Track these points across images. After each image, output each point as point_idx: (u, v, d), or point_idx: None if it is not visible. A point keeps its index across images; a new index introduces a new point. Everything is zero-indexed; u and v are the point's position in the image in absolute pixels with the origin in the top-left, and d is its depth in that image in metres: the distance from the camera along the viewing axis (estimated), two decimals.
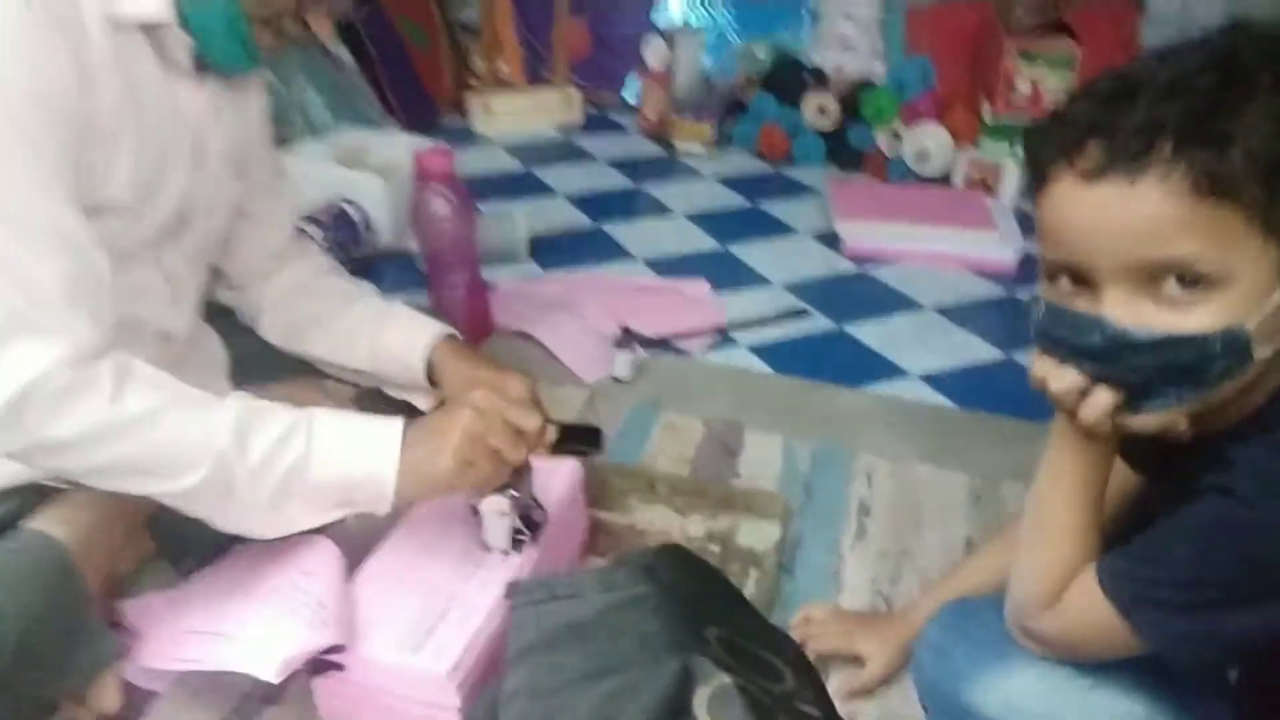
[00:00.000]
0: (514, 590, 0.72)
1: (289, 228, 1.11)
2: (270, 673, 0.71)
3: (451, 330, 1.06)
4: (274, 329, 1.10)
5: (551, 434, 0.85)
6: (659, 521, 1.10)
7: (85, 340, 0.70)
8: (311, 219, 1.55)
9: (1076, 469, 0.71)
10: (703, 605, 0.70)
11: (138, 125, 0.78)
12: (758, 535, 1.09)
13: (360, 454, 0.78)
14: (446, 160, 1.36)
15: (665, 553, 0.76)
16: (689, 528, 1.09)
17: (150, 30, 0.78)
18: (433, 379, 1.03)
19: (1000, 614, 0.76)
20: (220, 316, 1.13)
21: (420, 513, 0.95)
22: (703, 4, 2.52)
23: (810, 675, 0.73)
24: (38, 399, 0.68)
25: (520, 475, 0.85)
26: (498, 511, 0.85)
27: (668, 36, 2.32)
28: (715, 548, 1.07)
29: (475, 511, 0.87)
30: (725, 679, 0.61)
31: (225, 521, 0.78)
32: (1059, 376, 0.66)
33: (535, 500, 0.88)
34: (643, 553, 0.76)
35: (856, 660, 0.94)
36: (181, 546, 1.01)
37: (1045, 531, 0.72)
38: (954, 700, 0.76)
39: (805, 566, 1.07)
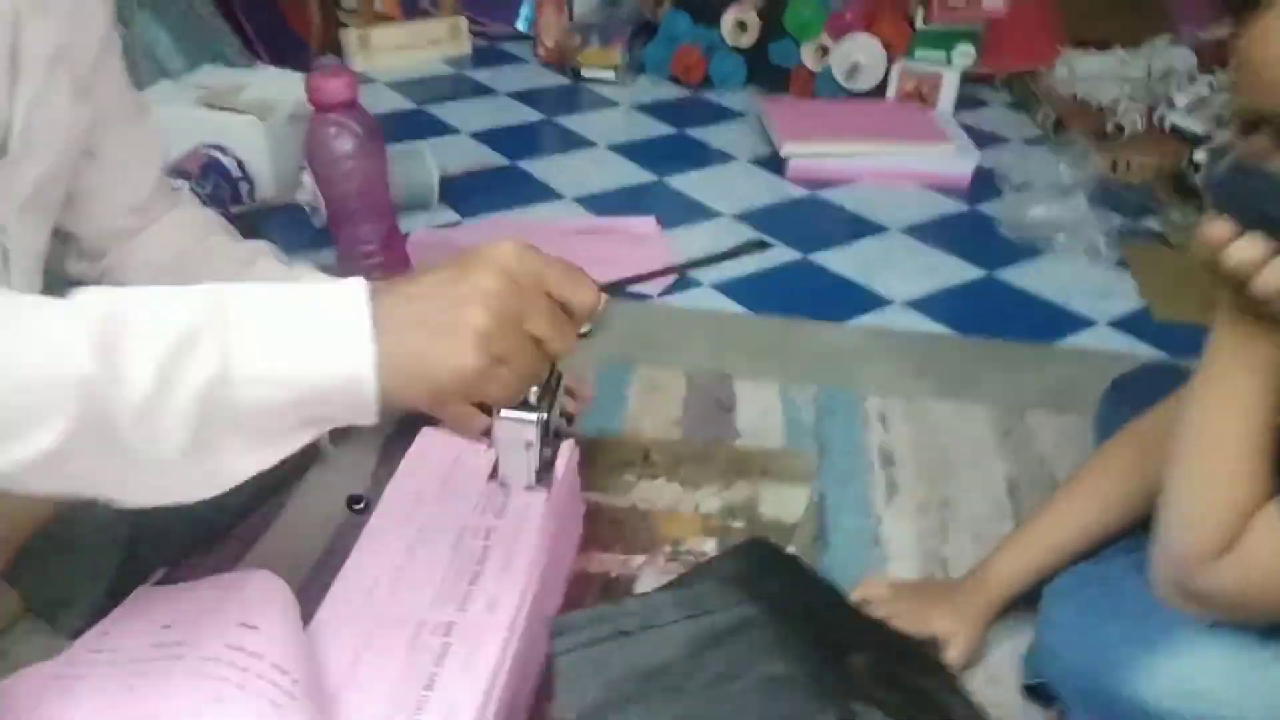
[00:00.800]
0: (560, 629, 0.53)
1: (155, 174, 0.86)
2: None
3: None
4: None
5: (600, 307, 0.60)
6: (665, 498, 0.92)
7: None
8: (175, 172, 1.28)
9: (1250, 379, 0.56)
10: (824, 622, 0.52)
11: None
12: (784, 503, 0.92)
13: (311, 351, 0.47)
14: (347, 84, 1.12)
15: (751, 551, 0.58)
16: (702, 503, 0.92)
17: None
18: None
19: (1140, 577, 0.62)
20: None
21: (389, 495, 0.74)
22: None
23: (957, 688, 0.56)
24: None
25: (551, 377, 0.64)
26: (523, 442, 0.63)
27: None
28: (738, 523, 0.89)
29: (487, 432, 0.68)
30: None
31: (129, 488, 0.49)
32: (1242, 246, 0.51)
33: (562, 412, 0.70)
34: (722, 556, 0.58)
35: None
36: (57, 596, 0.77)
37: (1213, 462, 0.58)
38: (1104, 690, 0.61)
39: (839, 533, 0.91)
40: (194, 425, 0.45)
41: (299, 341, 0.47)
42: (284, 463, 0.57)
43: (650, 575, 0.83)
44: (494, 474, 0.71)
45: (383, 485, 0.92)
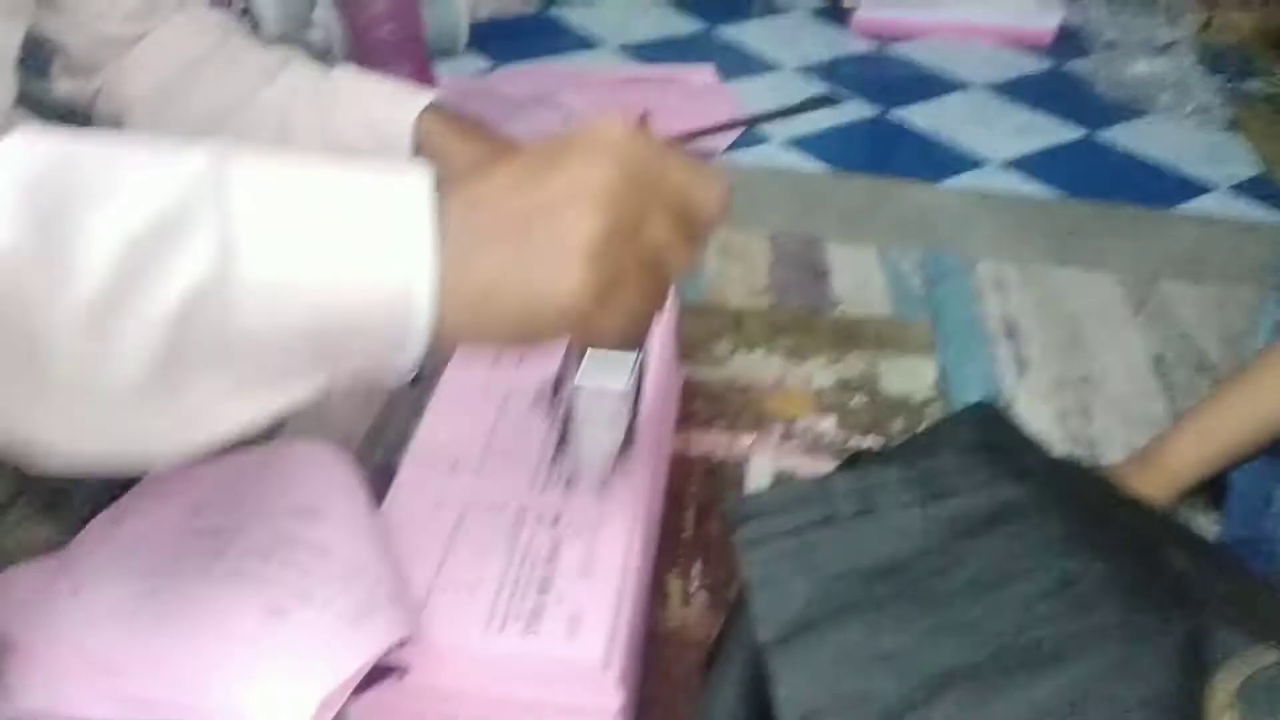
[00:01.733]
0: (741, 515, 0.39)
1: None
2: None
3: (435, 92, 0.68)
4: (154, 130, 0.70)
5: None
6: (768, 372, 0.79)
7: None
8: None
9: None
10: (1100, 509, 0.39)
11: None
12: (909, 376, 0.79)
13: (345, 254, 0.32)
14: None
15: (982, 417, 0.44)
16: (814, 376, 0.78)
17: None
18: None
19: None
20: (68, 124, 0.71)
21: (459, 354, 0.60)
22: None
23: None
24: None
25: None
26: (618, 392, 0.45)
27: None
28: (858, 399, 0.76)
29: (552, 392, 0.52)
30: (1270, 654, 0.32)
31: (51, 430, 0.32)
32: None
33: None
34: (945, 422, 0.45)
35: None
36: (55, 480, 0.63)
37: None
38: None
39: None
40: (164, 347, 0.30)
41: (328, 240, 0.32)
42: None
43: (763, 458, 0.70)
44: (561, 441, 0.54)
45: (432, 353, 0.79)
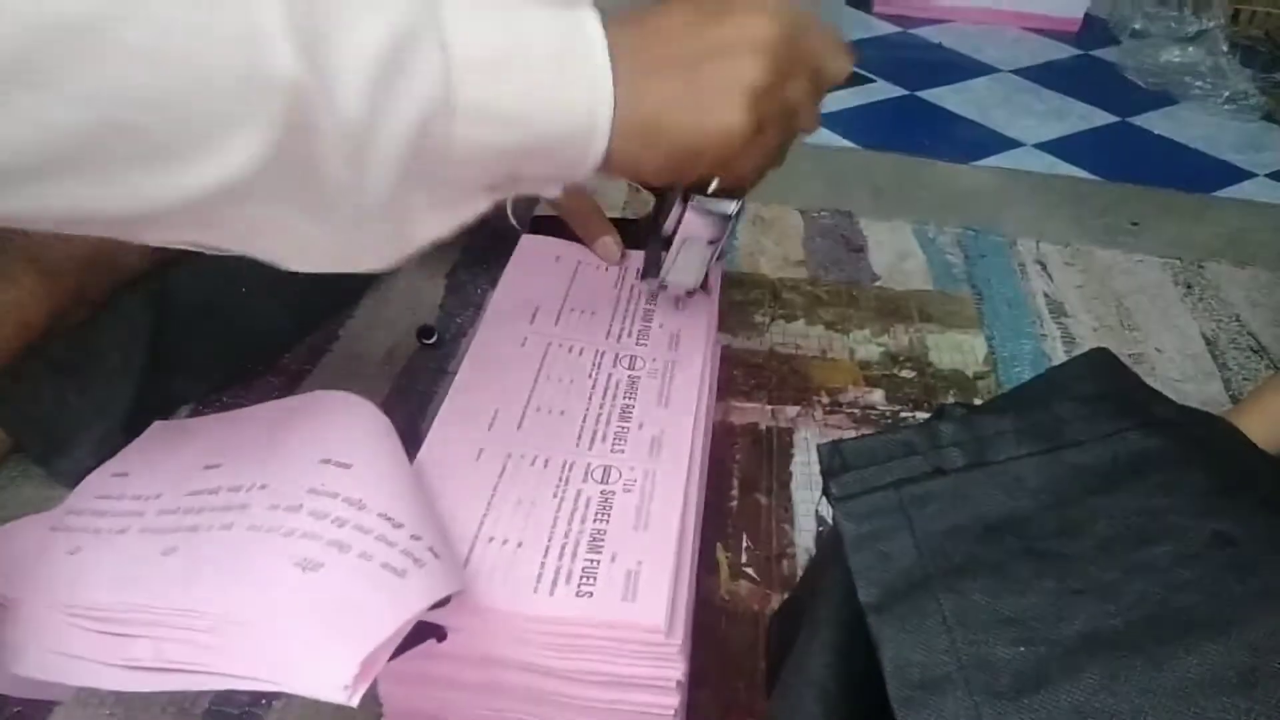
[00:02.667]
0: (837, 464, 0.35)
1: None
2: (339, 689, 0.32)
3: None
4: None
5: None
6: (810, 343, 0.74)
7: None
8: None
9: None
10: (1242, 461, 0.35)
11: None
12: (959, 351, 0.75)
13: (546, 85, 0.35)
14: None
15: (1100, 365, 0.40)
16: (857, 349, 0.74)
17: None
18: None
19: None
20: None
21: (496, 305, 0.57)
22: None
23: None
24: None
25: None
26: (707, 237, 0.49)
27: None
28: (906, 373, 0.72)
29: (655, 234, 0.53)
30: None
31: (303, 245, 0.34)
32: None
33: None
34: (1061, 369, 0.41)
35: None
36: (53, 432, 0.59)
37: None
38: None
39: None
40: (405, 164, 0.33)
41: (526, 68, 0.35)
42: (337, 281, 0.46)
43: (810, 429, 0.66)
44: (648, 270, 0.56)
45: (454, 317, 0.75)
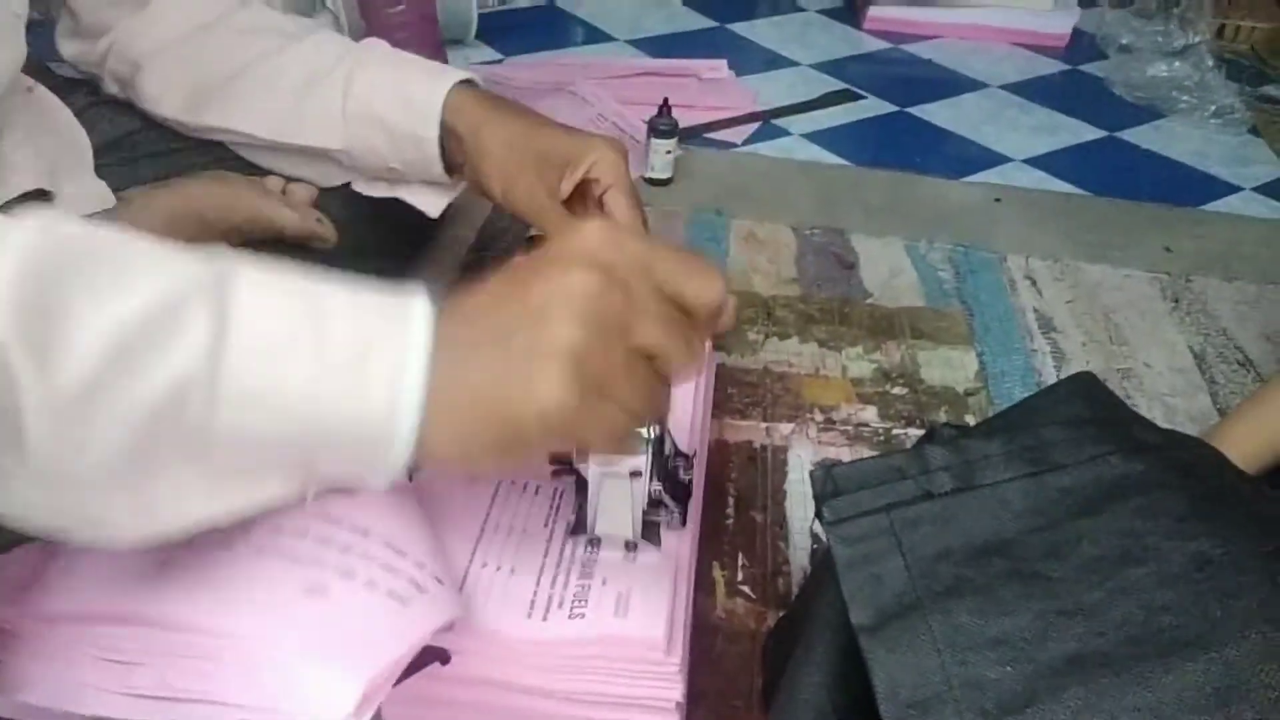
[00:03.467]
0: (828, 489, 0.36)
1: None
2: (345, 717, 0.33)
3: (467, 72, 0.64)
4: (165, 93, 0.66)
5: (730, 310, 0.38)
6: (804, 360, 0.75)
7: None
8: None
9: None
10: (1221, 483, 0.36)
11: None
12: (950, 367, 0.76)
13: (331, 369, 0.32)
14: None
15: (1083, 389, 0.41)
16: (850, 366, 0.75)
17: None
18: (449, 159, 0.62)
19: None
20: (73, 92, 0.68)
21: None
22: None
23: None
24: None
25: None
26: (628, 470, 0.42)
27: None
28: (898, 390, 0.73)
29: (567, 472, 0.46)
30: None
31: (14, 505, 0.32)
32: None
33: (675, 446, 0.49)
34: (1044, 394, 0.42)
35: None
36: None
37: None
38: None
39: (1010, 404, 0.75)
40: (140, 437, 0.30)
41: (318, 353, 0.31)
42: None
43: (804, 446, 0.67)
44: (577, 527, 0.46)
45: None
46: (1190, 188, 1.12)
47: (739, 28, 1.45)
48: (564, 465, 0.47)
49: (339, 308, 0.32)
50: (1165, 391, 0.79)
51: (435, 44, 1.01)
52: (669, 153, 0.99)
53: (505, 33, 1.33)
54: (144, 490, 0.32)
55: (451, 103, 0.61)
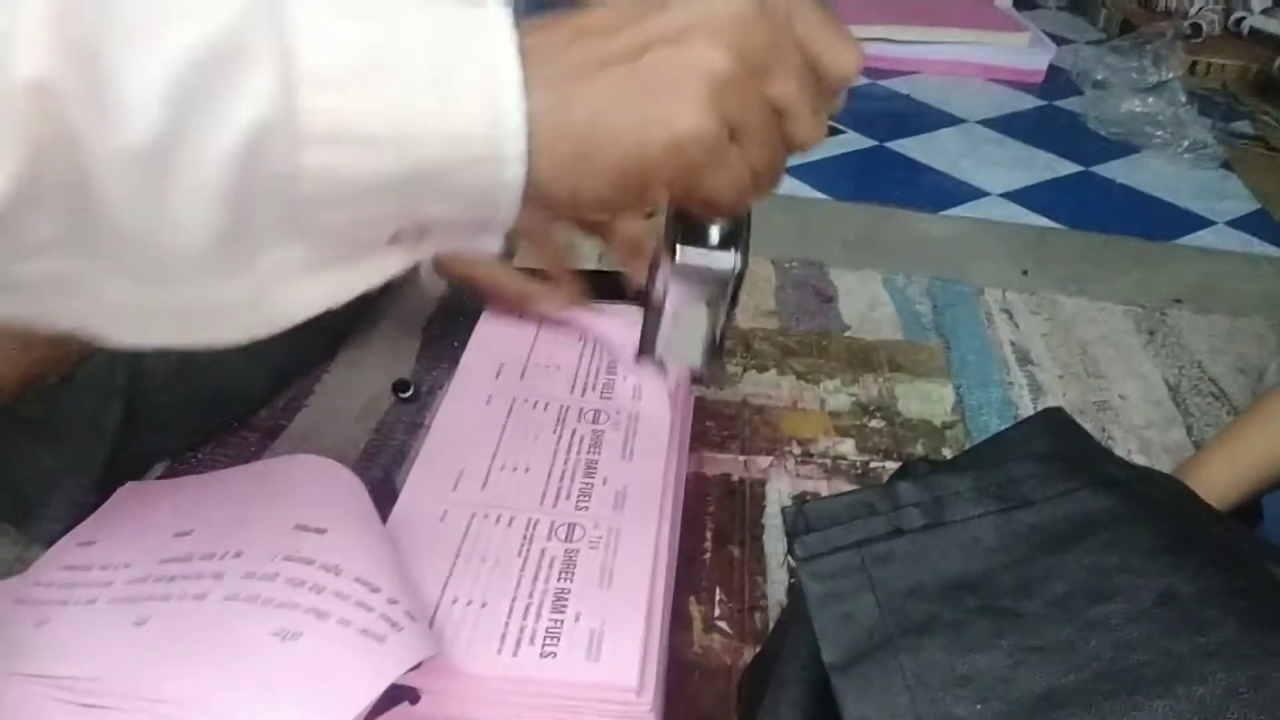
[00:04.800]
0: (800, 525, 0.36)
1: None
2: None
3: None
4: None
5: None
6: (781, 393, 0.75)
7: None
8: None
9: None
10: (1191, 520, 0.36)
11: None
12: (927, 400, 0.76)
13: (422, 83, 0.27)
14: None
15: (1053, 424, 0.42)
16: (828, 399, 0.75)
17: None
18: None
19: None
20: None
21: (466, 366, 0.57)
22: None
23: None
24: None
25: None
26: (705, 297, 0.39)
27: None
28: (876, 423, 0.73)
29: (640, 294, 0.44)
30: None
31: (116, 307, 0.29)
32: None
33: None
34: (1016, 429, 0.42)
35: None
36: (25, 491, 0.58)
37: None
38: None
39: (986, 436, 0.75)
40: (227, 200, 0.26)
41: (402, 68, 0.27)
42: (312, 336, 0.38)
43: (782, 480, 0.67)
44: (645, 346, 0.43)
45: (430, 371, 0.75)
46: (1164, 222, 1.14)
47: None
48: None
49: (413, 25, 0.28)
50: (1141, 424, 0.79)
51: None
52: None
53: None
54: (247, 274, 0.29)
55: None
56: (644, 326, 0.43)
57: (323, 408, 0.70)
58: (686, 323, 0.41)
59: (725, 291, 0.39)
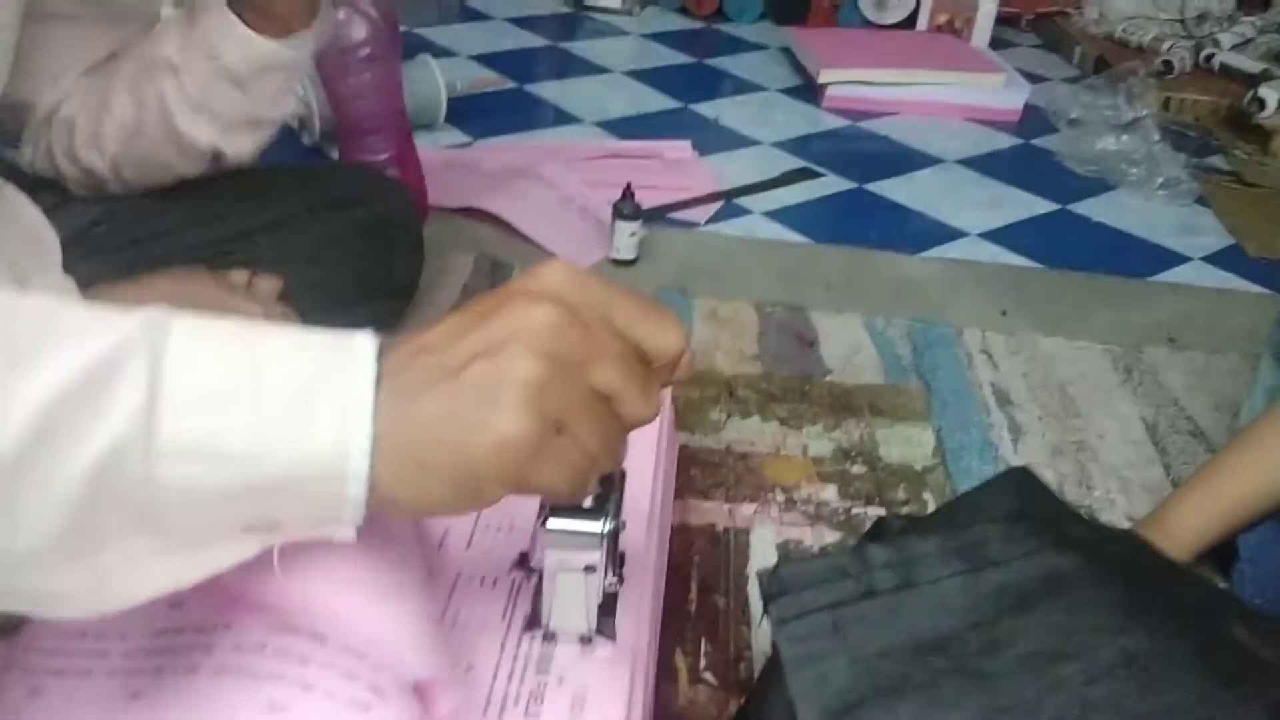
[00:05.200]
0: (775, 589, 0.37)
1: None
2: None
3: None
4: (95, 136, 0.68)
5: (686, 361, 0.37)
6: (764, 439, 0.77)
7: None
8: None
9: None
10: (1153, 579, 0.37)
11: None
12: (908, 444, 0.77)
13: (277, 415, 0.31)
14: None
15: (1019, 484, 0.43)
16: (810, 444, 0.76)
17: None
18: None
19: None
20: (41, 191, 0.70)
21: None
22: None
23: None
24: None
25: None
26: (582, 565, 0.41)
27: None
28: (858, 469, 0.74)
29: (523, 568, 0.47)
30: None
31: None
32: None
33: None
34: (981, 489, 0.43)
35: None
36: None
37: None
38: None
39: (966, 479, 0.77)
40: (79, 506, 0.29)
41: (258, 397, 0.31)
42: None
43: (766, 528, 0.68)
44: (532, 622, 0.46)
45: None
46: (1141, 258, 1.16)
47: (702, 108, 1.49)
48: (520, 562, 0.48)
49: (279, 350, 0.31)
50: (1119, 463, 0.80)
51: (403, 132, 1.03)
52: (633, 234, 1.02)
53: (474, 116, 1.36)
54: (95, 562, 0.31)
55: None
56: (533, 597, 0.46)
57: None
58: (568, 589, 0.43)
59: (600, 555, 0.41)
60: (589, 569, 0.42)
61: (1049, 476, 0.78)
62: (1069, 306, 1.02)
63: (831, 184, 1.28)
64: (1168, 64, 1.71)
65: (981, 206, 1.25)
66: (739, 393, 0.82)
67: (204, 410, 0.30)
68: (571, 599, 0.43)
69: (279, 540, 0.34)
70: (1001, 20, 1.89)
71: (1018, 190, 1.30)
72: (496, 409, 0.31)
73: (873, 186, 1.28)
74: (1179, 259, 1.16)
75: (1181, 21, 1.89)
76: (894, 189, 1.28)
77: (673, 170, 1.25)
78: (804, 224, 1.16)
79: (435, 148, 1.25)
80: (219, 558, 0.33)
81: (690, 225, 1.13)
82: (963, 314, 0.99)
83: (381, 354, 0.32)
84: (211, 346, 0.31)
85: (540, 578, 0.44)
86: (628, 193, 1.01)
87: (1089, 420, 0.85)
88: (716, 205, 1.18)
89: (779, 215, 1.18)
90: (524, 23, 1.80)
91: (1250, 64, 1.71)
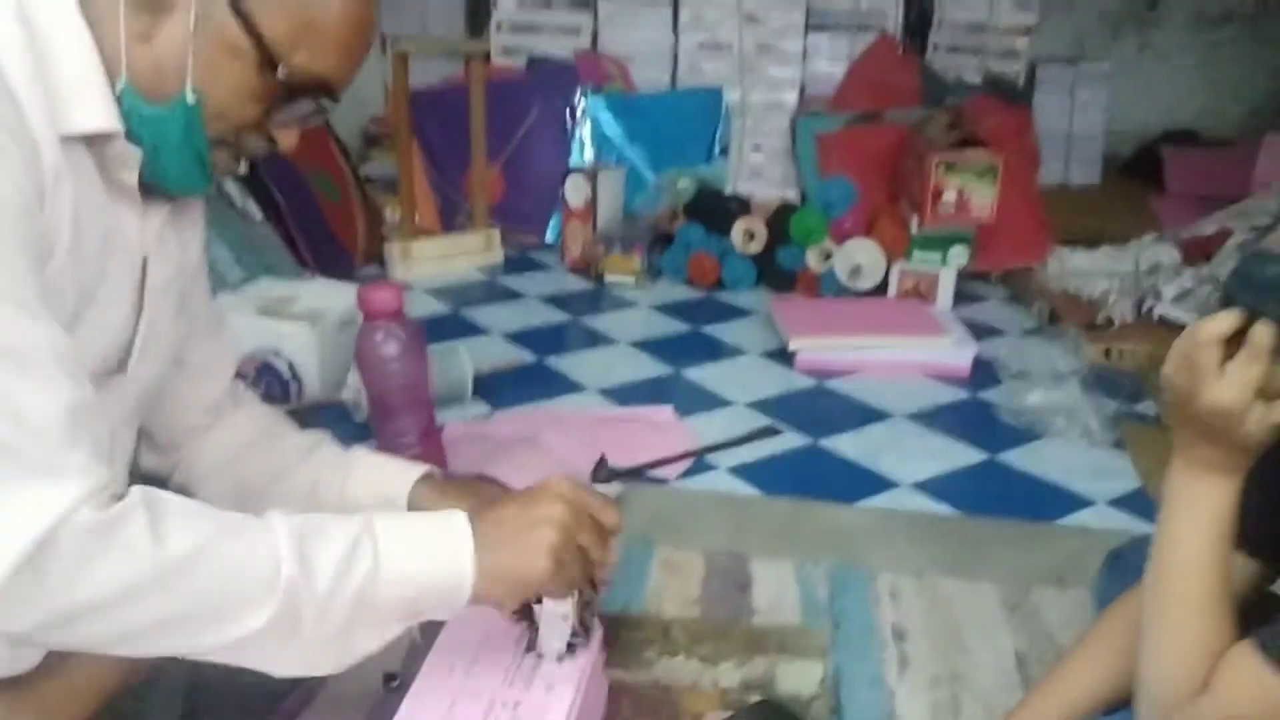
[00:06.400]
0: None
1: (229, 377, 0.97)
2: None
3: (428, 467, 0.92)
4: (218, 495, 0.94)
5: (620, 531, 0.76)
6: (685, 675, 0.96)
7: (101, 474, 0.57)
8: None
9: (1213, 525, 0.65)
10: None
11: (74, 249, 0.65)
12: (799, 677, 0.96)
13: (433, 558, 0.66)
14: (394, 295, 1.25)
15: (761, 714, 0.62)
16: (721, 678, 0.95)
17: (94, 143, 0.65)
18: None
19: None
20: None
21: (426, 668, 0.80)
22: (612, 145, 2.53)
23: None
24: (63, 550, 0.53)
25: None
26: (560, 614, 0.77)
27: (589, 174, 2.29)
28: (755, 697, 0.93)
29: (522, 617, 0.80)
30: None
31: (283, 664, 0.64)
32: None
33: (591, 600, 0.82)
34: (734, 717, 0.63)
35: None
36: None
37: (1183, 610, 0.66)
38: None
39: (854, 706, 0.94)
40: (350, 613, 0.62)
41: (423, 552, 0.66)
42: None
43: None
44: (530, 647, 0.81)
45: (416, 663, 0.98)
46: (1052, 503, 1.34)
47: (691, 372, 1.75)
48: (523, 613, 0.79)
49: (425, 527, 0.68)
50: (985, 691, 0.97)
51: (427, 415, 1.31)
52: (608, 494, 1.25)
53: (499, 389, 1.64)
54: (345, 641, 0.64)
55: (414, 494, 0.88)
56: (529, 635, 0.81)
57: (329, 697, 0.93)
58: (552, 627, 0.79)
59: (570, 608, 0.77)
60: (564, 617, 0.77)
61: (926, 702, 0.95)
62: (975, 550, 1.20)
63: (790, 440, 1.51)
64: (1110, 319, 1.93)
65: (919, 458, 1.45)
66: (672, 634, 1.02)
67: (401, 559, 0.65)
68: (555, 632, 0.78)
69: (417, 620, 0.68)
70: (974, 275, 2.16)
71: (954, 441, 1.51)
72: (539, 557, 0.68)
73: (826, 442, 1.51)
74: (1084, 503, 1.34)
75: (1134, 274, 2.12)
76: (844, 443, 1.50)
77: (654, 432, 1.50)
78: (759, 478, 1.38)
79: (461, 421, 1.53)
80: (393, 631, 0.66)
81: (662, 482, 1.36)
82: (880, 559, 1.18)
83: (473, 523, 0.68)
84: (398, 530, 0.66)
85: (536, 629, 0.79)
86: (602, 462, 1.25)
87: (970, 654, 1.02)
88: (686, 463, 1.41)
89: (740, 471, 1.41)
90: (553, 300, 2.13)
91: (1186, 315, 1.92)
